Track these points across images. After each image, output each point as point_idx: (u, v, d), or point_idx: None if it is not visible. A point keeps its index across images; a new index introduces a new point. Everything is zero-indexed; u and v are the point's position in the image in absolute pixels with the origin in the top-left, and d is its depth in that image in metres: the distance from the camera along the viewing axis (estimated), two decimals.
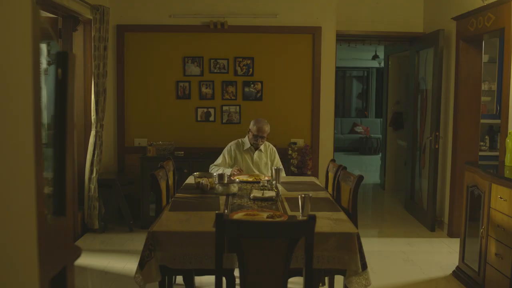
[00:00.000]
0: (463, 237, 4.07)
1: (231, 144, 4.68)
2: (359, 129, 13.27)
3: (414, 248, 4.96)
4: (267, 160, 4.67)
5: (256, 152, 4.61)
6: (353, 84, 14.43)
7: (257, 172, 4.50)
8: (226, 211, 3.06)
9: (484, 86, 5.74)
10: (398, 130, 7.93)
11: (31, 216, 1.00)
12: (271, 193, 3.44)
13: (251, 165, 4.60)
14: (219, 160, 4.65)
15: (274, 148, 4.75)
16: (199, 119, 5.87)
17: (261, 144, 4.60)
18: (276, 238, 2.24)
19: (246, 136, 4.63)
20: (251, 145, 4.58)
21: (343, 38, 6.44)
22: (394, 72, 7.99)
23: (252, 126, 4.55)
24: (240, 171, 4.40)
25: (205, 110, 5.87)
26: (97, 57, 5.15)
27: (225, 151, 4.67)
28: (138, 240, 4.96)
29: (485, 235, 3.58)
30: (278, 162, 4.69)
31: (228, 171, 4.33)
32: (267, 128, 4.54)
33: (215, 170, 4.48)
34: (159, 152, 5.52)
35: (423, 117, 6.02)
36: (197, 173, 4.04)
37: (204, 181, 3.67)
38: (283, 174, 4.47)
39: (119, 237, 5.19)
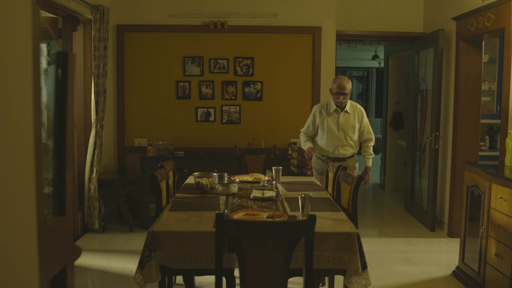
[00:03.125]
0: (463, 237, 4.07)
1: (315, 109, 4.49)
2: None
3: (414, 248, 4.95)
4: (355, 122, 4.40)
5: (342, 114, 4.37)
6: (353, 84, 14.41)
7: (342, 136, 4.37)
8: (226, 211, 3.06)
9: (484, 86, 5.74)
10: (398, 130, 7.93)
11: (31, 216, 1.00)
12: (271, 193, 3.44)
13: (336, 130, 4.37)
14: (306, 126, 4.56)
15: (362, 109, 4.50)
16: (199, 119, 5.87)
17: (345, 103, 4.33)
18: (276, 238, 2.24)
19: (331, 98, 4.41)
20: (337, 106, 4.34)
21: (343, 38, 6.45)
22: (394, 72, 7.99)
23: (332, 84, 4.33)
24: (313, 151, 4.37)
25: (205, 110, 5.87)
26: (97, 57, 5.15)
27: (310, 117, 4.53)
28: (138, 240, 4.97)
29: (485, 235, 3.58)
30: (366, 124, 4.47)
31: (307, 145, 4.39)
32: (348, 85, 4.28)
33: (303, 139, 4.51)
34: (159, 152, 5.52)
35: (423, 117, 6.02)
36: (197, 173, 4.04)
37: (204, 181, 3.67)
38: (369, 149, 4.49)
39: (119, 237, 5.19)
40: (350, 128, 4.38)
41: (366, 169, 4.62)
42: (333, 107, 4.35)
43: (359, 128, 4.44)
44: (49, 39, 4.85)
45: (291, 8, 5.77)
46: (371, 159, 4.57)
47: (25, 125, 0.98)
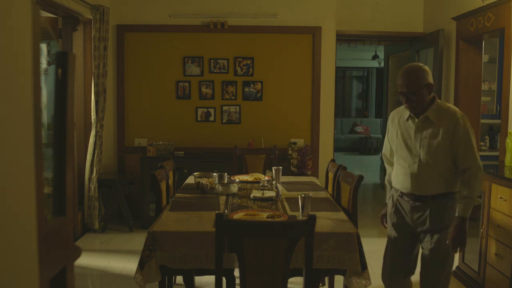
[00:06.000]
0: None
1: (391, 116, 2.94)
2: (359, 129, 13.27)
3: None
4: (439, 135, 2.60)
5: (420, 122, 2.67)
6: (353, 84, 14.43)
7: (417, 157, 2.66)
8: (226, 211, 3.06)
9: (484, 86, 5.74)
10: None
11: (31, 216, 1.00)
12: (271, 193, 3.44)
13: (409, 146, 2.71)
14: (384, 144, 3.04)
15: (459, 116, 2.61)
16: (199, 119, 5.87)
17: (419, 107, 2.65)
18: (276, 238, 2.24)
19: None
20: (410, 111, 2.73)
21: (343, 38, 6.45)
22: (394, 72, 7.98)
23: (398, 79, 2.74)
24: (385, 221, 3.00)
25: (205, 110, 5.87)
26: (97, 57, 5.15)
27: (387, 128, 2.96)
28: (138, 240, 4.97)
29: (485, 235, 3.58)
30: (462, 141, 2.57)
31: None
32: (415, 78, 2.60)
33: (387, 172, 3.02)
34: (159, 152, 5.52)
35: None
36: (197, 173, 4.04)
37: (204, 181, 3.67)
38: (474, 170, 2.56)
39: (119, 237, 5.19)
40: (433, 145, 2.62)
41: (455, 222, 2.59)
42: (406, 112, 2.77)
43: (451, 144, 2.61)
44: (49, 39, 4.85)
45: (291, 8, 5.77)
46: (464, 204, 2.56)
47: (25, 125, 0.98)
